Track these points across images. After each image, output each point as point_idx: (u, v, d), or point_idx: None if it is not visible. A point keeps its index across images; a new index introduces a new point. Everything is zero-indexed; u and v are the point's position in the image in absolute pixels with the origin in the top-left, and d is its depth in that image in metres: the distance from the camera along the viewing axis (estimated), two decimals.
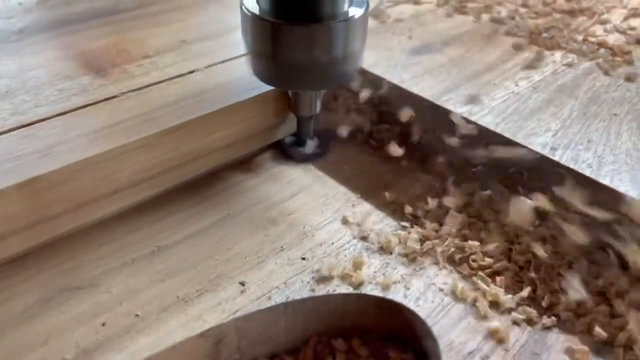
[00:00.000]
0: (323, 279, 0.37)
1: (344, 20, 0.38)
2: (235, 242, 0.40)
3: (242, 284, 0.36)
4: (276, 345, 0.37)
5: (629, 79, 0.48)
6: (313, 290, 0.36)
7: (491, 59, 0.52)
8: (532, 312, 0.35)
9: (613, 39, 0.56)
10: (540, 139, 0.40)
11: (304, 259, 0.38)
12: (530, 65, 0.51)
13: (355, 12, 0.39)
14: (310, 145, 0.48)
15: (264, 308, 0.35)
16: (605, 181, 0.37)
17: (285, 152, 0.48)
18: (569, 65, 0.51)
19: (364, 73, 0.48)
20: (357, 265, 0.37)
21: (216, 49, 0.51)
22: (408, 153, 0.46)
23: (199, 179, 0.44)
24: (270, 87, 0.45)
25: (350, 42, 0.39)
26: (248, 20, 0.40)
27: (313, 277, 0.37)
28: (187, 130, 0.41)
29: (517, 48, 0.54)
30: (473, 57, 0.52)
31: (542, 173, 0.39)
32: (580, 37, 0.56)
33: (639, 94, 0.46)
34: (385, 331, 0.38)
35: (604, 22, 0.60)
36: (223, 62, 0.49)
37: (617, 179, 0.37)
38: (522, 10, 0.63)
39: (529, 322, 0.34)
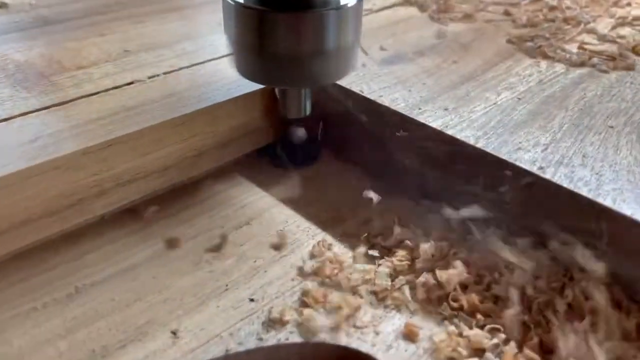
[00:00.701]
0: (274, 325, 0.30)
1: (335, 9, 0.33)
2: (172, 281, 0.33)
3: (174, 333, 0.30)
4: None
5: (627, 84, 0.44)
6: (261, 339, 0.30)
7: (470, 69, 0.46)
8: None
9: (604, 47, 0.51)
10: (528, 154, 0.35)
11: (252, 300, 0.32)
12: (514, 74, 0.46)
13: (348, 0, 0.34)
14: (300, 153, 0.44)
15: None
16: (607, 202, 0.31)
17: (274, 161, 0.44)
18: (557, 74, 0.46)
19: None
20: (316, 308, 0.31)
21: (163, 60, 0.46)
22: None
23: (132, 206, 0.38)
24: (219, 100, 0.39)
25: (342, 33, 0.35)
26: (232, 10, 0.34)
27: (263, 323, 0.31)
28: (115, 149, 0.35)
29: (500, 56, 0.49)
30: (450, 68, 0.47)
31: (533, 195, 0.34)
32: (567, 47, 0.51)
33: (636, 104, 0.41)
34: None
35: (590, 31, 0.56)
36: (170, 72, 0.44)
37: (619, 199, 0.31)
38: (506, 17, 0.58)
39: None
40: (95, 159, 0.35)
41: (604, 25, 0.57)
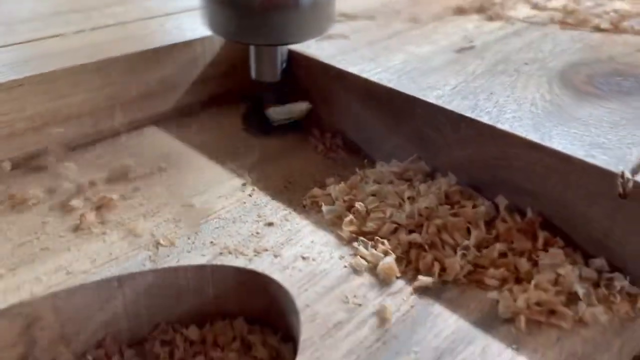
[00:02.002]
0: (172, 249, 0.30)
1: None
2: None
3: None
4: (116, 334, 0.30)
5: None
6: (155, 262, 0.30)
7: (396, 29, 0.47)
8: (419, 279, 0.28)
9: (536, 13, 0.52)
10: (437, 92, 0.35)
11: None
12: (439, 32, 0.46)
13: None
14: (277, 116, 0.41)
15: (90, 282, 0.28)
16: (505, 127, 0.31)
17: (249, 124, 0.43)
18: (482, 32, 0.47)
19: None
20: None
21: (92, 19, 0.46)
22: None
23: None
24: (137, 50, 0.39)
25: None
26: None
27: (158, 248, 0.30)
28: (27, 89, 0.35)
29: (434, 18, 0.50)
30: (378, 28, 0.47)
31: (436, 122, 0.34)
32: (503, 12, 0.52)
33: (552, 54, 0.42)
34: (251, 313, 0.31)
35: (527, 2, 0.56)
36: (96, 28, 0.44)
37: (517, 125, 0.32)
38: None
39: (417, 290, 0.28)
40: (6, 98, 0.35)
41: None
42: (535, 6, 0.54)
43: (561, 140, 0.30)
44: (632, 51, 0.43)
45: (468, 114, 0.33)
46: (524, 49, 0.43)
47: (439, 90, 0.36)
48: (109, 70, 0.38)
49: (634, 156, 0.29)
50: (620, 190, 0.28)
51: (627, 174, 0.27)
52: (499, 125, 0.31)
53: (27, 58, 0.38)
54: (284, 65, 0.41)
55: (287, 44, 0.39)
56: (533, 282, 0.28)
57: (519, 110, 0.33)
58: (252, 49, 0.40)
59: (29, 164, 0.37)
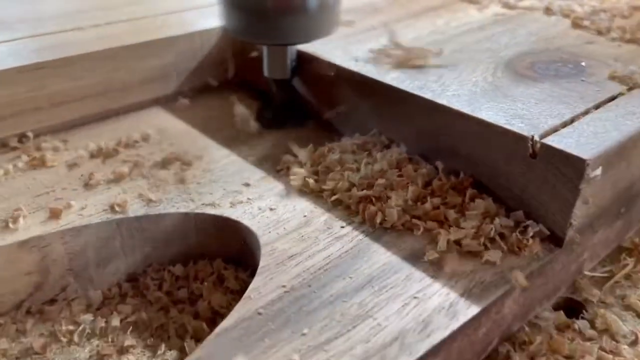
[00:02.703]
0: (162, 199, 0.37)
1: None
2: None
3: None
4: (115, 270, 0.36)
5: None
6: (148, 210, 0.36)
7: (374, 25, 0.53)
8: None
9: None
10: (392, 75, 0.41)
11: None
12: (410, 27, 0.52)
13: None
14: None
15: (94, 223, 0.35)
16: (443, 101, 0.37)
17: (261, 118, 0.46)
18: (450, 27, 0.52)
19: None
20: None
21: (111, 16, 0.53)
22: None
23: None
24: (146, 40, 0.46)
25: None
26: None
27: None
28: (47, 72, 0.42)
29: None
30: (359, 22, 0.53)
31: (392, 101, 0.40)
32: None
33: (507, 47, 0.47)
34: (228, 254, 0.37)
35: None
36: (111, 23, 0.51)
37: (455, 100, 0.37)
38: None
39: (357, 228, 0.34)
40: (31, 78, 0.41)
41: None
42: (506, 5, 0.60)
43: (488, 112, 0.36)
44: (581, 43, 0.48)
45: (415, 92, 0.38)
46: (483, 41, 0.49)
47: (394, 74, 0.41)
48: (117, 57, 0.45)
49: (547, 125, 0.34)
50: (531, 151, 0.33)
51: (536, 138, 0.33)
52: (438, 100, 0.37)
53: (50, 46, 0.45)
54: (294, 63, 0.44)
55: (295, 43, 0.43)
56: (458, 227, 0.33)
57: (460, 89, 0.39)
58: (265, 49, 0.44)
59: (49, 134, 0.44)
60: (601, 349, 0.33)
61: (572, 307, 0.37)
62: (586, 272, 0.38)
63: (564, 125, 0.34)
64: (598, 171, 0.31)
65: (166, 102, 0.49)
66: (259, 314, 0.28)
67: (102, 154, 0.41)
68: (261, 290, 0.30)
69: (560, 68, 0.43)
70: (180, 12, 0.54)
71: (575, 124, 0.34)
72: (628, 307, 0.36)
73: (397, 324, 0.28)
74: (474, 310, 0.29)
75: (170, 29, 0.49)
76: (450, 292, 0.30)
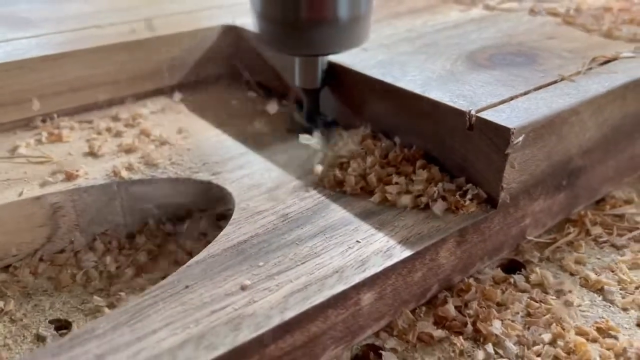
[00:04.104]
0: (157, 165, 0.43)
1: None
2: None
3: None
4: (115, 228, 0.43)
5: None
6: (144, 174, 0.42)
7: None
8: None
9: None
10: (363, 64, 0.47)
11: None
12: (390, 24, 0.57)
13: None
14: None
15: (98, 185, 0.41)
16: (400, 84, 0.42)
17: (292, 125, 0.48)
18: (427, 26, 0.57)
19: None
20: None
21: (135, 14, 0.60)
22: None
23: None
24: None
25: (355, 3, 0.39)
26: None
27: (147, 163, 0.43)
28: (67, 60, 0.49)
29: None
30: None
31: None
32: None
33: (473, 42, 0.52)
34: (212, 214, 0.43)
35: None
36: (135, 20, 0.58)
37: (411, 84, 0.42)
38: None
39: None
40: (54, 65, 0.48)
41: None
42: (487, 7, 0.65)
43: (437, 93, 0.41)
44: (543, 39, 0.53)
45: (377, 77, 0.44)
46: (453, 37, 0.54)
47: (366, 62, 0.47)
48: (129, 50, 0.52)
49: (486, 102, 0.39)
50: (468, 124, 0.38)
51: (473, 112, 0.38)
52: (396, 83, 0.42)
53: (71, 40, 0.52)
54: (324, 74, 0.46)
55: (328, 54, 0.45)
56: (407, 192, 0.39)
57: (418, 75, 0.44)
58: (297, 59, 0.45)
59: (67, 116, 0.50)
60: (530, 298, 0.38)
61: (515, 267, 0.41)
62: (531, 238, 0.43)
63: (502, 103, 0.39)
64: (520, 138, 0.36)
65: (171, 92, 0.55)
66: (225, 251, 0.34)
67: (111, 132, 0.48)
68: (230, 235, 0.35)
69: (514, 59, 0.47)
70: (186, 12, 0.61)
71: (512, 102, 0.39)
72: (564, 268, 0.41)
73: (339, 261, 0.33)
74: (406, 253, 0.34)
75: (176, 27, 0.56)
76: (390, 240, 0.35)
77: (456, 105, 0.39)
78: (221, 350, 0.27)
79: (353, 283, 0.32)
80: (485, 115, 0.37)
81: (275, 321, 0.29)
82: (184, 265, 0.33)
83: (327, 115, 0.48)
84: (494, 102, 0.39)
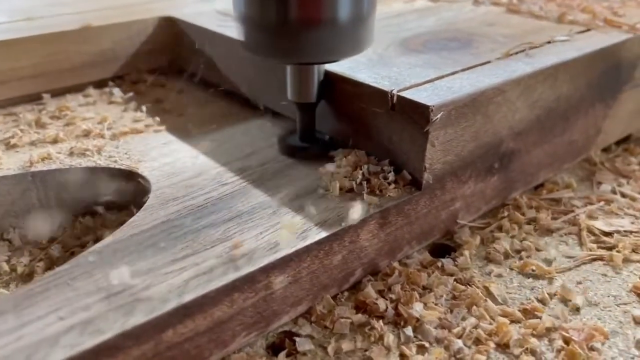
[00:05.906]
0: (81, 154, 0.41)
1: None
2: None
3: None
4: (33, 219, 0.41)
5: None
6: (62, 163, 0.40)
7: None
8: None
9: None
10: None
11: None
12: None
13: None
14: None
15: (11, 175, 0.39)
16: (337, 70, 0.41)
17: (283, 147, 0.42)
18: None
19: None
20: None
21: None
22: None
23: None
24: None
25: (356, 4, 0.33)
26: None
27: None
28: None
29: None
30: None
31: None
32: None
33: (427, 29, 0.51)
34: (133, 202, 0.41)
35: None
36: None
37: (339, 67, 0.41)
38: None
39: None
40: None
41: None
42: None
43: (363, 74, 0.40)
44: (482, 26, 0.52)
45: None
46: (392, 26, 0.53)
47: None
48: (55, 42, 0.50)
49: (410, 83, 0.38)
50: (390, 104, 0.37)
51: (395, 92, 0.37)
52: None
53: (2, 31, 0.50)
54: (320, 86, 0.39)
55: (323, 62, 0.38)
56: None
57: (348, 60, 0.43)
58: (288, 69, 0.38)
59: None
60: (456, 280, 0.37)
61: (445, 251, 0.40)
62: (464, 222, 0.42)
63: (426, 82, 0.38)
64: (439, 115, 0.35)
65: (104, 86, 0.54)
66: (131, 237, 0.32)
67: (37, 125, 0.46)
68: (140, 221, 0.34)
69: (448, 44, 0.47)
70: (125, 6, 0.60)
71: (437, 81, 0.38)
72: (495, 250, 0.40)
73: (251, 244, 0.32)
74: (322, 234, 0.33)
75: (110, 19, 0.54)
76: (307, 222, 0.34)
77: (380, 86, 0.38)
78: (108, 335, 0.26)
79: (261, 265, 0.30)
80: (406, 94, 0.36)
81: (172, 305, 0.27)
82: (85, 251, 0.31)
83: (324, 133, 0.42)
84: (418, 82, 0.38)
